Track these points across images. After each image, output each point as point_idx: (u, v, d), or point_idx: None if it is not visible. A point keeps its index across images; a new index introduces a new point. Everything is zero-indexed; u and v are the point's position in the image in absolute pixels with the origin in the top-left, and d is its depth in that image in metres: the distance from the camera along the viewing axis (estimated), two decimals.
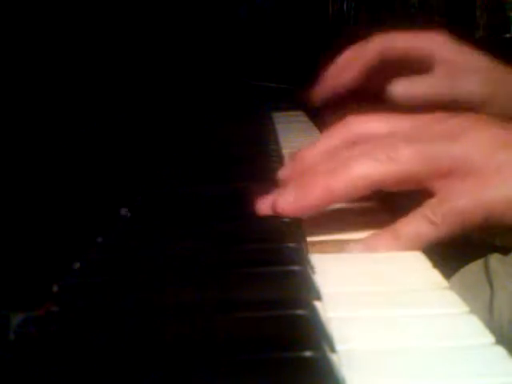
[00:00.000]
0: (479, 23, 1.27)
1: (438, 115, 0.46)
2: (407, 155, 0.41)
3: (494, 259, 0.72)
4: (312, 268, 0.37)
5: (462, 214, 0.40)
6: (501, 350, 0.28)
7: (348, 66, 0.64)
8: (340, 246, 0.42)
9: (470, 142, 0.41)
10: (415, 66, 0.60)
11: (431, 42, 0.60)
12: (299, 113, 1.03)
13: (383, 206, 0.48)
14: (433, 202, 0.41)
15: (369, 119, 0.46)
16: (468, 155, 0.41)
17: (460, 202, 0.40)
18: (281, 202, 0.43)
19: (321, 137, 0.48)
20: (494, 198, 0.40)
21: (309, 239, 0.42)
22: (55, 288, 0.34)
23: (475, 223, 0.40)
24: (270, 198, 0.44)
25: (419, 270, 0.38)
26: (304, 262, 0.37)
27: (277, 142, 0.79)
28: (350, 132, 0.46)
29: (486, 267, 0.72)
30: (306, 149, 0.47)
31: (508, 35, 1.27)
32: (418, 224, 0.41)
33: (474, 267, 0.73)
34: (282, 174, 0.47)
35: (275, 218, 0.43)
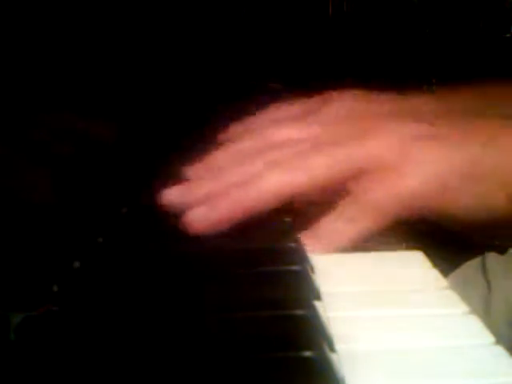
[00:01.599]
0: (479, 23, 1.27)
1: (346, 116, 0.47)
2: (317, 162, 0.41)
3: (491, 258, 0.72)
4: (312, 268, 0.37)
5: (378, 207, 0.40)
6: (501, 350, 0.28)
7: None
8: None
9: (378, 140, 0.42)
10: None
11: None
12: None
13: None
14: (349, 199, 0.41)
15: (281, 125, 0.46)
16: (377, 152, 0.41)
17: (374, 195, 0.40)
18: (191, 217, 0.42)
19: (233, 136, 0.47)
20: (408, 188, 0.40)
21: None
22: (55, 288, 0.34)
23: (394, 215, 0.40)
24: (177, 189, 0.43)
25: (419, 269, 0.38)
26: (304, 262, 0.37)
27: None
28: (264, 138, 0.45)
29: (483, 266, 0.72)
30: (218, 151, 0.46)
31: (508, 35, 1.27)
32: (337, 223, 0.41)
33: (471, 265, 0.73)
34: (191, 172, 0.46)
35: (275, 218, 0.43)
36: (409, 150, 0.41)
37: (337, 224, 0.41)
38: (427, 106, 0.51)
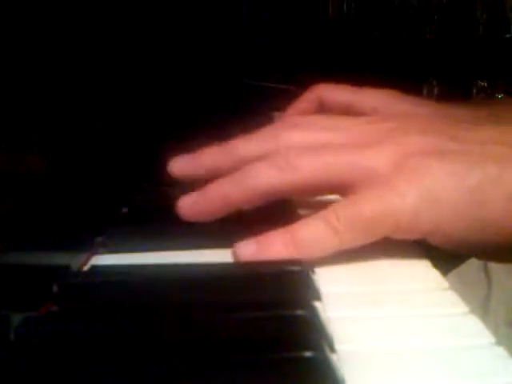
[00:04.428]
0: (479, 23, 1.27)
1: (359, 121, 0.44)
2: (307, 164, 0.40)
3: None
4: (312, 268, 0.37)
5: (368, 221, 0.37)
6: (501, 351, 0.28)
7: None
8: None
9: (376, 150, 0.39)
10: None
11: (373, 99, 0.55)
12: None
13: None
14: (337, 205, 0.38)
15: (296, 130, 0.44)
16: (373, 166, 0.39)
17: (366, 207, 0.37)
18: (181, 203, 0.42)
19: (247, 136, 0.46)
20: (402, 206, 0.36)
21: None
22: (55, 288, 0.34)
23: (381, 233, 0.37)
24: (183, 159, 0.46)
25: (419, 270, 0.38)
26: (304, 262, 0.37)
27: None
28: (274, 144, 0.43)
29: (485, 264, 0.72)
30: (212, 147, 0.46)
31: (508, 35, 1.27)
32: (318, 229, 0.37)
33: (473, 264, 0.73)
34: (175, 166, 0.46)
35: (275, 219, 0.43)
36: (404, 165, 0.38)
37: (319, 231, 0.37)
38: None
